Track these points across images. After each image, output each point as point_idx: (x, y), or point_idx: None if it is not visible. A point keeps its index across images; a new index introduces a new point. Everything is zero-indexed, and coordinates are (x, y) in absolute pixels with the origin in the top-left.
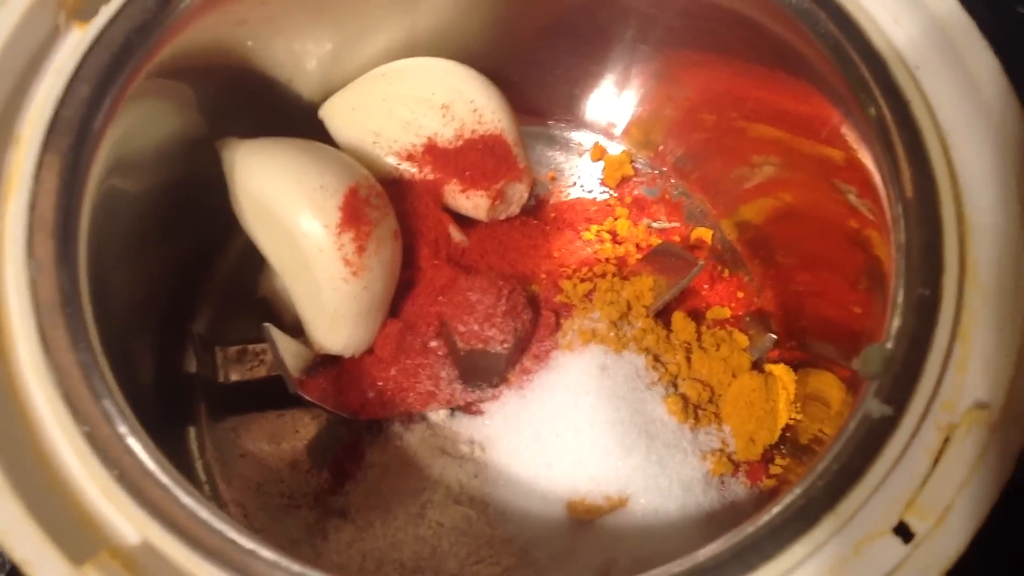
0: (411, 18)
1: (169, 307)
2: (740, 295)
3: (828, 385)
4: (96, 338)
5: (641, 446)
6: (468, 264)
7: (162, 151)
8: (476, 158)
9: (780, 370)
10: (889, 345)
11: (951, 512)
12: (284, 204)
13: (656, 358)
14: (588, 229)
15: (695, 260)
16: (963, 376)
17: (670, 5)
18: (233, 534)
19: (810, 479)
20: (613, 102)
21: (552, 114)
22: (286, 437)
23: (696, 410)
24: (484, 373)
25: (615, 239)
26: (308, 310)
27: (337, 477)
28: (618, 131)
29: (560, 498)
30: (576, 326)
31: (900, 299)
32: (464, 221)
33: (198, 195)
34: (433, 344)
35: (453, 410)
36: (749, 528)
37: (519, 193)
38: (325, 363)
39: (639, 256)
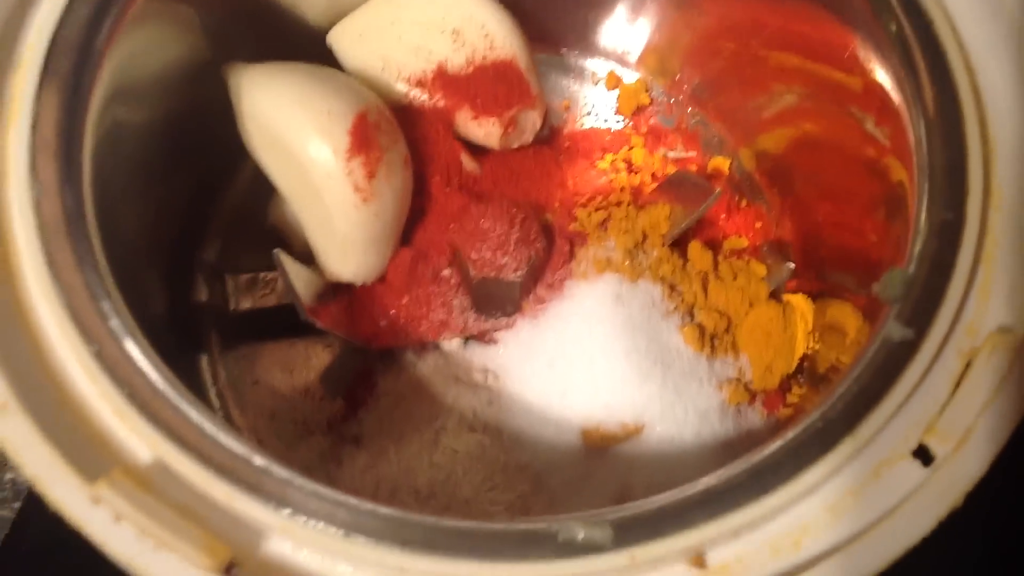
0: None
1: (178, 236)
2: (758, 225)
3: (846, 315)
4: (103, 259)
5: (657, 375)
6: (481, 192)
7: (166, 77)
8: (488, 85)
9: (798, 300)
10: (911, 269)
11: (972, 436)
12: (292, 130)
13: (672, 287)
14: (603, 158)
15: (711, 188)
16: (986, 300)
17: None
18: (245, 452)
19: (829, 402)
20: (628, 29)
21: (566, 42)
22: (299, 366)
23: (712, 339)
24: (498, 302)
25: (630, 168)
26: (319, 237)
27: (350, 405)
28: (633, 59)
29: (575, 426)
30: (591, 255)
31: (922, 222)
32: (476, 150)
33: (205, 123)
34: (445, 273)
35: (466, 339)
36: (767, 450)
37: (532, 121)
38: (336, 291)
39: (655, 185)
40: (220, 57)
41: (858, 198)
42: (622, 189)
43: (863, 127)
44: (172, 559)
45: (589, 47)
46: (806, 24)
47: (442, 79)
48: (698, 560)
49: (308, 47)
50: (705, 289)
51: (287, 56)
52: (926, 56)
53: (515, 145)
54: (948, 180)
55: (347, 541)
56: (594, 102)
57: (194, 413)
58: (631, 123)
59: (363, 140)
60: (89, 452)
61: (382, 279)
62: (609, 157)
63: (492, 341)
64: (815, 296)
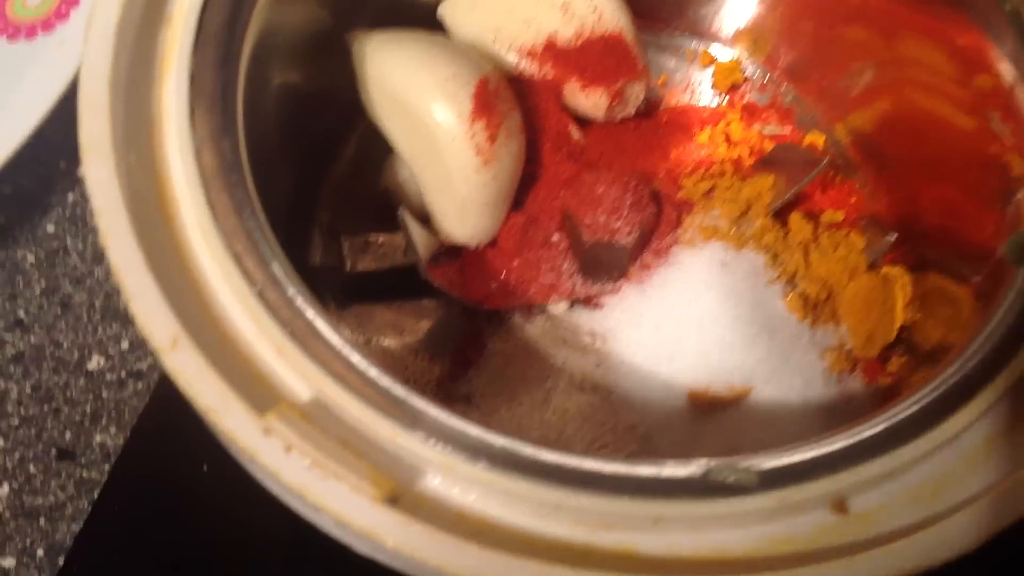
0: None
1: (295, 198)
2: (853, 200)
3: (946, 285)
4: (259, 206)
5: (763, 340)
6: (588, 161)
7: (294, 41)
8: (596, 57)
9: (897, 271)
10: None
11: None
12: (418, 93)
13: (775, 256)
14: (701, 132)
15: (817, 159)
16: None
17: None
18: (404, 393)
19: (967, 354)
20: (724, 8)
21: (662, 20)
22: (407, 327)
23: (814, 308)
24: (606, 267)
25: (729, 142)
26: (437, 199)
27: (460, 365)
28: (728, 37)
29: (682, 388)
30: (697, 222)
31: None
32: (580, 122)
33: (323, 89)
34: (555, 238)
35: (573, 303)
36: (908, 400)
37: (636, 93)
38: (449, 254)
39: (754, 159)
40: (340, 26)
41: (965, 185)
42: (722, 161)
43: (985, 122)
44: (341, 489)
45: (685, 25)
46: (915, 10)
47: (552, 51)
48: (840, 506)
49: (419, 20)
50: (807, 258)
51: (402, 27)
52: None
53: (619, 117)
54: None
55: (502, 478)
56: (690, 79)
57: (354, 353)
58: (727, 100)
59: (485, 104)
60: (255, 388)
61: (493, 243)
62: (708, 131)
63: (598, 306)
64: (914, 268)
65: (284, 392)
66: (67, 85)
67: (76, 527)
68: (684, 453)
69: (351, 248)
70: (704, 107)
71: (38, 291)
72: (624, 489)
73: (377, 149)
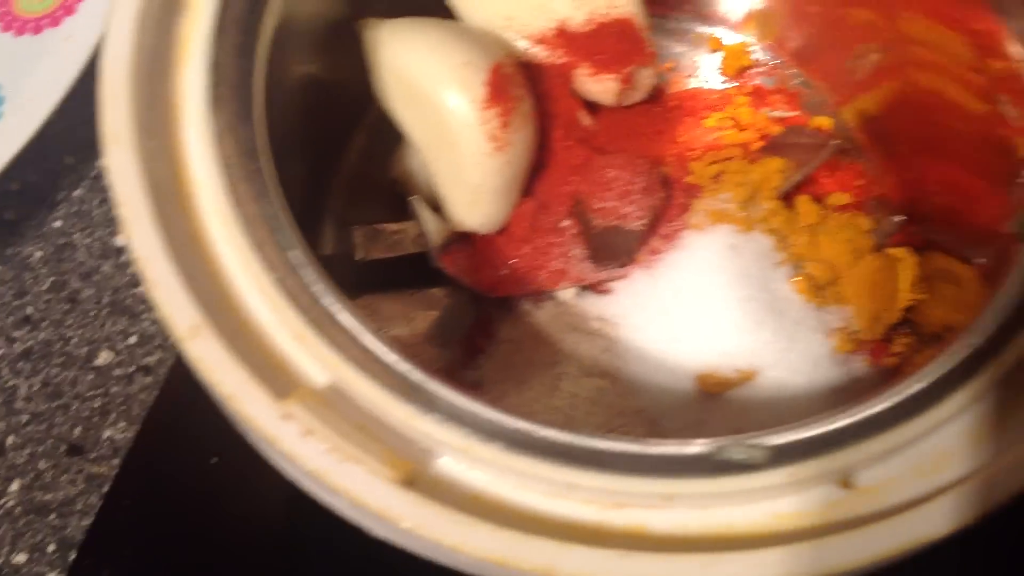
0: None
1: (307, 187)
2: (859, 183)
3: (951, 266)
4: (277, 194)
5: (770, 322)
6: (597, 147)
7: (309, 30)
8: (607, 42)
9: (903, 253)
10: None
11: None
12: (431, 80)
13: (783, 239)
14: (709, 116)
15: (825, 141)
16: None
17: None
18: (420, 377)
19: (972, 331)
20: None
21: (669, 5)
22: (417, 316)
23: (821, 290)
24: (615, 252)
25: (737, 125)
26: (449, 186)
27: (469, 352)
28: (736, 21)
29: (689, 372)
30: (705, 206)
31: None
32: (589, 107)
33: (335, 79)
34: (565, 223)
35: (581, 289)
36: (915, 376)
37: (646, 78)
38: (460, 241)
39: (762, 143)
40: (354, 14)
41: (973, 167)
42: (731, 145)
43: (994, 106)
44: (359, 471)
45: (693, 10)
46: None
47: (563, 36)
48: (847, 481)
49: (431, 6)
50: (813, 241)
51: (414, 14)
52: None
53: (628, 102)
54: None
55: (516, 459)
56: (698, 64)
57: (371, 339)
58: (735, 84)
59: (499, 91)
60: (273, 374)
61: (503, 230)
62: (716, 116)
63: (606, 291)
64: (920, 249)
65: (302, 378)
66: (74, 80)
67: (87, 522)
68: (692, 436)
69: (363, 237)
70: (712, 91)
71: (46, 287)
72: (636, 468)
73: (387, 139)
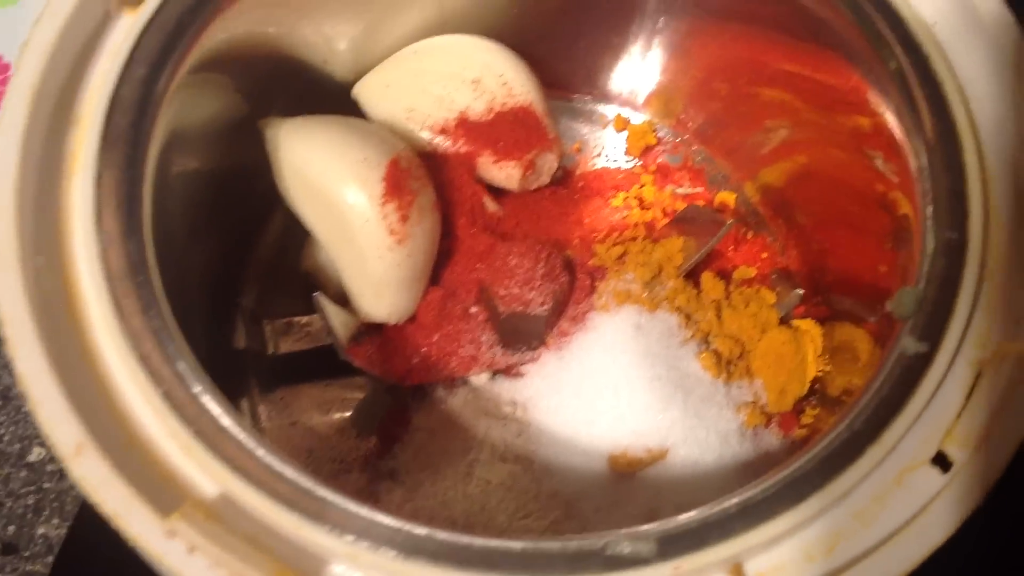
0: None
1: (218, 284)
2: (764, 256)
3: (856, 338)
4: (166, 305)
5: (678, 400)
6: (503, 232)
7: (208, 131)
8: (507, 130)
9: (807, 324)
10: (921, 286)
11: (987, 440)
12: (329, 178)
13: (688, 316)
14: (616, 196)
15: (723, 220)
16: (992, 314)
17: None
18: (309, 484)
19: (853, 414)
20: (635, 73)
21: (576, 87)
22: (334, 406)
23: (728, 365)
24: (524, 336)
25: (642, 205)
26: (354, 280)
27: (385, 441)
28: (640, 101)
29: (602, 453)
30: (611, 288)
31: (929, 243)
32: (496, 193)
33: (241, 174)
34: (473, 310)
35: (494, 373)
36: (798, 461)
37: (549, 163)
38: (370, 332)
39: (666, 220)
40: (256, 112)
41: (862, 228)
42: (636, 225)
43: (868, 162)
44: None
45: (598, 92)
46: (805, 63)
47: (464, 126)
48: (736, 570)
49: (336, 100)
50: (719, 317)
51: (316, 109)
52: (924, 89)
53: (533, 187)
54: (950, 204)
55: (406, 563)
56: (604, 144)
57: (260, 448)
58: (640, 163)
59: (396, 185)
60: (160, 489)
61: (413, 319)
62: (622, 195)
63: (519, 374)
64: (823, 320)
65: (191, 491)
66: None
67: None
68: (606, 517)
69: (273, 331)
70: (618, 170)
71: None
72: (526, 567)
73: (299, 232)
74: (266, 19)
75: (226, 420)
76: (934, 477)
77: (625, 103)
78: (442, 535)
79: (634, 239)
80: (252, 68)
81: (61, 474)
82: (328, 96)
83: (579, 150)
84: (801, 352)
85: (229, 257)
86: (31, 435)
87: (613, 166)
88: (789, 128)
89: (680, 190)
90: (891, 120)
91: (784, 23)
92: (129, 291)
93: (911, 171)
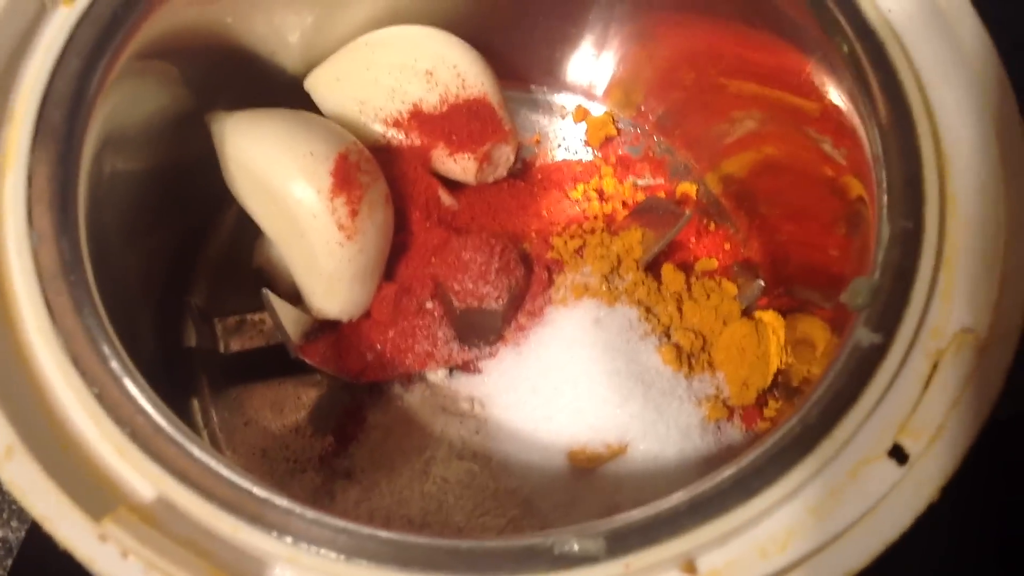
0: None
1: (167, 281)
2: (726, 247)
3: (815, 328)
4: (100, 304)
5: (638, 394)
6: (459, 226)
7: (152, 125)
8: (462, 122)
9: (769, 316)
10: (876, 276)
11: (943, 432)
12: (276, 172)
13: (648, 309)
14: (575, 188)
15: (681, 211)
16: (948, 303)
17: None
18: (246, 484)
19: (806, 407)
20: (593, 64)
21: (533, 79)
22: (288, 405)
23: (689, 358)
24: (480, 331)
25: (602, 197)
26: (304, 276)
27: (340, 440)
28: (599, 92)
29: (561, 449)
30: (568, 281)
31: (885, 232)
32: (452, 186)
33: (189, 170)
34: (429, 305)
35: (451, 369)
36: (750, 456)
37: (505, 155)
38: (323, 329)
39: (626, 212)
40: (203, 106)
41: (820, 216)
42: (595, 217)
43: (821, 148)
44: None
45: (556, 83)
46: (761, 51)
47: (418, 118)
48: (689, 566)
49: (287, 93)
50: (680, 310)
51: (266, 102)
52: (878, 75)
53: (490, 179)
54: (905, 192)
55: (349, 565)
56: (564, 135)
57: (196, 449)
58: (600, 154)
59: (345, 179)
60: (94, 492)
61: (367, 315)
62: (581, 187)
63: (476, 370)
64: (785, 312)
65: (126, 494)
66: None
67: None
68: (565, 515)
69: (224, 329)
70: (578, 162)
71: None
72: (473, 567)
73: (252, 228)
74: (211, 10)
75: (162, 420)
76: (890, 470)
77: (584, 94)
78: (385, 535)
79: (592, 231)
80: (197, 60)
81: None
82: (278, 89)
83: (538, 142)
84: (764, 344)
85: (178, 254)
86: None
87: (573, 157)
88: (749, 119)
89: (641, 182)
90: (846, 107)
91: (739, 10)
92: (61, 290)
93: (866, 159)
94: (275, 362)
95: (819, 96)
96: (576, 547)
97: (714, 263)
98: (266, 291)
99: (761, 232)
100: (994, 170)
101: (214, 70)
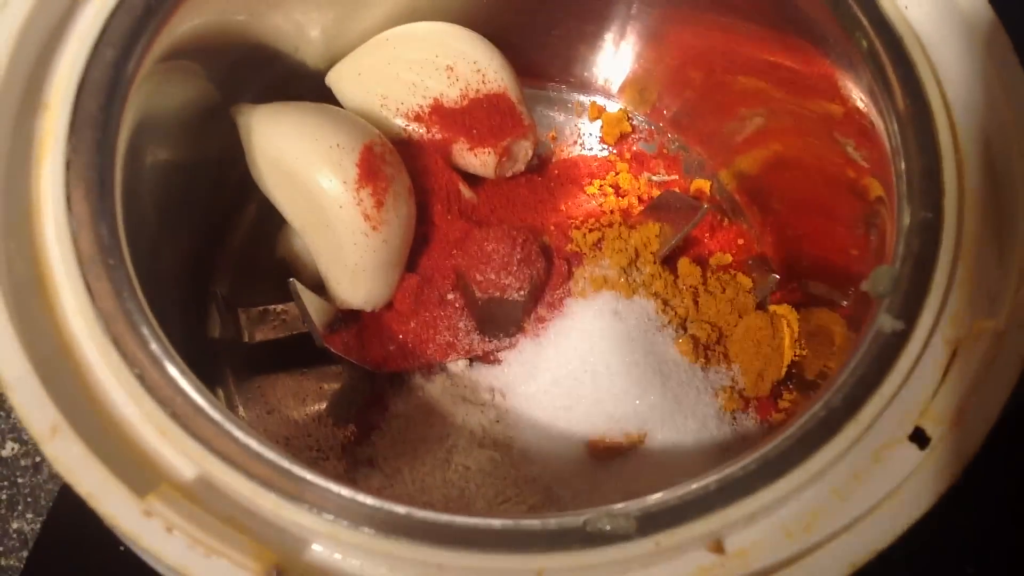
0: None
1: (191, 272)
2: (740, 242)
3: (830, 322)
4: (138, 287)
5: (656, 385)
6: (479, 219)
7: (178, 118)
8: (482, 116)
9: (783, 310)
10: (897, 265)
11: (964, 416)
12: (303, 163)
13: (665, 302)
14: (591, 184)
15: (699, 205)
16: (967, 292)
17: None
18: (286, 463)
19: (830, 392)
20: (609, 61)
21: (550, 76)
22: (311, 394)
23: (706, 350)
24: (501, 322)
25: (618, 192)
26: (329, 266)
27: (363, 429)
28: (615, 89)
29: (581, 438)
30: (587, 274)
31: (904, 223)
32: (471, 180)
33: (214, 162)
34: (450, 296)
35: (472, 360)
36: (776, 439)
37: (524, 150)
38: (346, 319)
39: (642, 207)
40: (227, 100)
41: (833, 212)
42: (612, 211)
43: (837, 145)
44: (223, 565)
45: (573, 80)
46: (778, 49)
47: (438, 113)
48: (716, 545)
49: (308, 88)
50: (696, 302)
51: (290, 97)
52: (897, 69)
53: (509, 174)
54: (924, 183)
55: (386, 542)
56: (579, 132)
57: (236, 429)
58: (615, 150)
59: (370, 171)
60: (137, 470)
61: (389, 305)
62: (597, 183)
63: (496, 361)
64: (799, 306)
65: (168, 473)
66: None
67: None
68: (585, 502)
69: (248, 319)
70: (594, 158)
71: None
72: (506, 545)
73: (275, 218)
74: (236, 5)
75: (201, 401)
76: (912, 453)
77: (600, 91)
78: (421, 514)
79: (610, 225)
80: (223, 54)
81: (35, 469)
82: (301, 83)
83: (554, 138)
84: (778, 337)
85: (203, 245)
86: (3, 430)
87: (589, 154)
88: (764, 116)
89: (655, 178)
90: (864, 103)
91: (757, 8)
92: (101, 274)
93: (885, 153)
94: (298, 352)
95: (836, 93)
96: (608, 526)
97: (728, 258)
98: (293, 281)
99: (774, 228)
100: (1009, 163)
101: (238, 64)
